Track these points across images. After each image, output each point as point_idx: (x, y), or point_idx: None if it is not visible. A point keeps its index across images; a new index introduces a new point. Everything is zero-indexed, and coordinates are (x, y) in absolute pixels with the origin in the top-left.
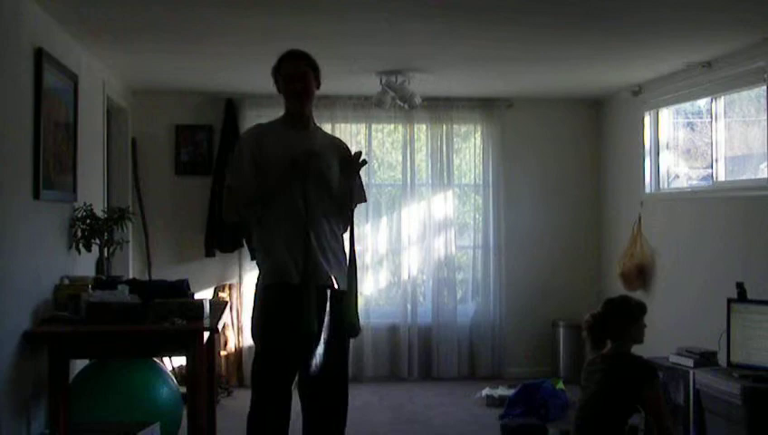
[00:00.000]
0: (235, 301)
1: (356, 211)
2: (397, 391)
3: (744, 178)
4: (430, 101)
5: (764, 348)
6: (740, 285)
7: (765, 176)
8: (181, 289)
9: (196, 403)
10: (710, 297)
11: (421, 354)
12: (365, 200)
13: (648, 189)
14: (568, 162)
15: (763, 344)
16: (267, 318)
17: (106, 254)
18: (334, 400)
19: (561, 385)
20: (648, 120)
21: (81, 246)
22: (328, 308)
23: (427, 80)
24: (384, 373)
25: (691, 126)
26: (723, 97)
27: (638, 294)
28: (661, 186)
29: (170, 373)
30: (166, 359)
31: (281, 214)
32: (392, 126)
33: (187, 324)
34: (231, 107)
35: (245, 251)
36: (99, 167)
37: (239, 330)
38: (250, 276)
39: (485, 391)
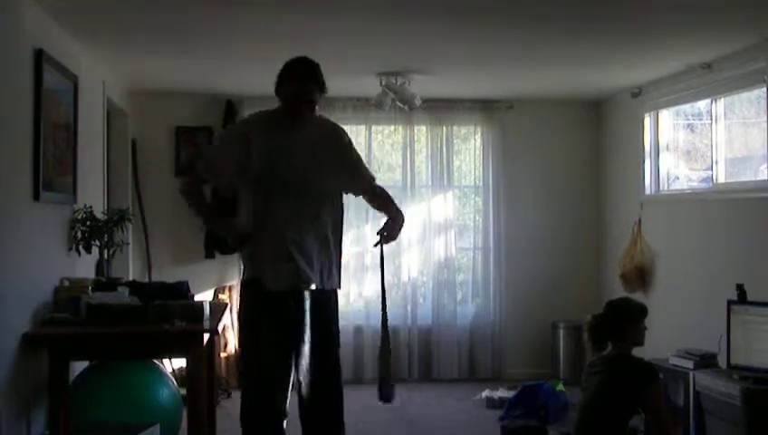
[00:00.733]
0: (235, 303)
1: (356, 211)
2: (397, 392)
3: (744, 179)
4: (430, 102)
5: (765, 350)
6: (740, 287)
7: (765, 177)
8: (181, 291)
9: (197, 405)
10: (710, 299)
11: (421, 356)
12: (374, 178)
13: (648, 191)
14: (568, 164)
15: (763, 346)
16: (247, 316)
17: (106, 255)
18: (328, 423)
19: (561, 387)
20: (648, 121)
21: (80, 247)
22: (308, 308)
23: (428, 81)
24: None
25: (691, 127)
26: (723, 98)
27: (638, 296)
28: (661, 187)
29: (170, 375)
30: (166, 361)
31: (261, 215)
32: (392, 127)
33: (187, 326)
34: (231, 108)
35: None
36: (99, 168)
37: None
38: None
39: (485, 393)
